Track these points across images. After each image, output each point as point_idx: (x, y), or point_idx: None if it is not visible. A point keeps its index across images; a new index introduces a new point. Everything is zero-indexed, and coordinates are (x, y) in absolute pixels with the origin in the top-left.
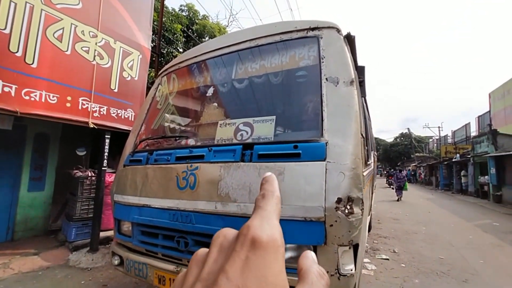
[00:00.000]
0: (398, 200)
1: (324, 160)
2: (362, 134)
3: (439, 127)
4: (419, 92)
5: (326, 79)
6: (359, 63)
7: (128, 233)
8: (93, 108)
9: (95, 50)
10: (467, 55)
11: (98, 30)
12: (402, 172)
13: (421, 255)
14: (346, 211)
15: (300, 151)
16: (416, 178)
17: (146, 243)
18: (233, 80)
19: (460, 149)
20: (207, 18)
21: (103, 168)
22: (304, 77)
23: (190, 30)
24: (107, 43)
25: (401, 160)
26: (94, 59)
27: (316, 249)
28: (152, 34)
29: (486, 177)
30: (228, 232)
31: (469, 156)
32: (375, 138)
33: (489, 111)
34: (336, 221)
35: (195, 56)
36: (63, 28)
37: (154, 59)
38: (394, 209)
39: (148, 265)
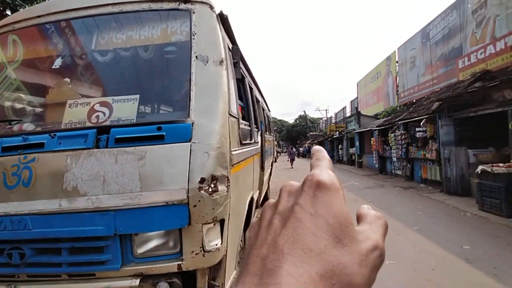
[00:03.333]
0: (291, 168)
1: (190, 141)
2: (231, 114)
3: (326, 110)
4: (316, 78)
5: (196, 57)
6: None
7: None
8: None
9: None
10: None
11: None
12: (293, 149)
13: None
14: (210, 190)
15: (164, 133)
16: (310, 153)
17: None
18: (93, 51)
19: (339, 128)
20: None
21: None
22: (175, 53)
23: None
24: None
25: (300, 138)
26: None
27: (181, 231)
28: None
29: (354, 148)
30: (293, 183)
31: (343, 133)
32: (280, 120)
33: (357, 97)
34: (199, 201)
35: (40, 16)
36: None
37: None
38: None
39: None
